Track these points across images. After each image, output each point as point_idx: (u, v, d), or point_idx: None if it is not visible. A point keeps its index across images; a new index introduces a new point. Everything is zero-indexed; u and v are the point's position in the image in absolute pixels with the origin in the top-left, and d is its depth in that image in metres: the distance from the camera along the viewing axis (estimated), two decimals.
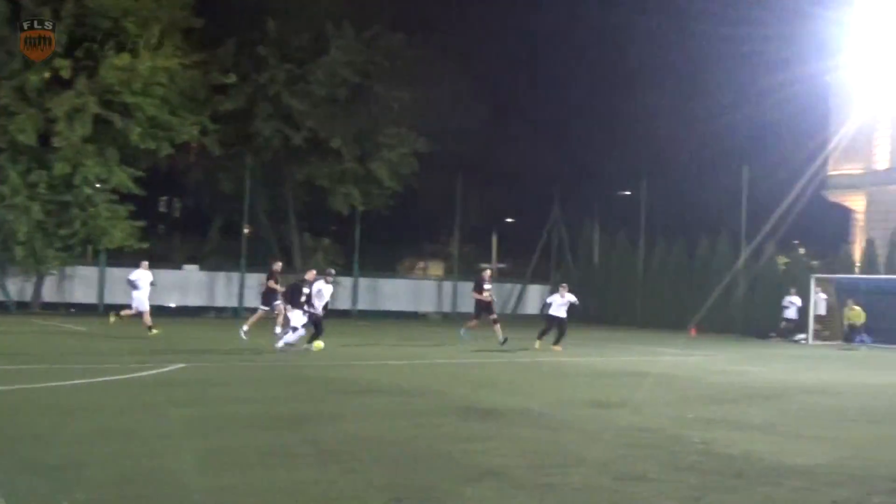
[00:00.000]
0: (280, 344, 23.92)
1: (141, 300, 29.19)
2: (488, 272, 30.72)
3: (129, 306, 29.76)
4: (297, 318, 23.82)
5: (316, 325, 24.05)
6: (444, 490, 8.63)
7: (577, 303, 29.46)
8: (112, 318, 30.23)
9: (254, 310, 40.44)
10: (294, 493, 8.40)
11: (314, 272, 25.39)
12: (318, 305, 24.28)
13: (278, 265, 30.84)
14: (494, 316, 28.81)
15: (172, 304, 42.93)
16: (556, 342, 28.51)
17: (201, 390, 15.65)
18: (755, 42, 49.67)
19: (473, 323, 29.13)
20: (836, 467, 10.42)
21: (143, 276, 29.39)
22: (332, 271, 26.64)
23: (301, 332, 23.95)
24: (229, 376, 18.16)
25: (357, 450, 10.41)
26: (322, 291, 24.56)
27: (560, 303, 29.11)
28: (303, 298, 23.98)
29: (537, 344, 28.58)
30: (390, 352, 24.90)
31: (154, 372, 17.92)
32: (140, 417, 12.45)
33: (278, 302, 28.68)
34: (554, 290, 52.14)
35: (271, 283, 29.66)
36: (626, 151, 65.63)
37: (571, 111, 70.85)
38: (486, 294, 28.86)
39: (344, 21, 44.81)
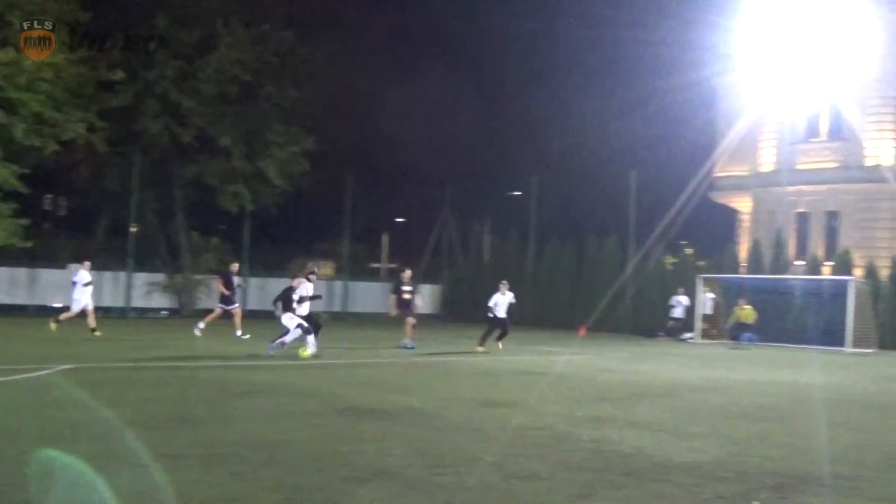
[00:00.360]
0: (275, 344, 23.86)
1: (79, 301, 28.99)
2: (408, 273, 30.31)
3: (68, 309, 29.69)
4: (289, 321, 23.69)
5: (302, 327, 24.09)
6: (336, 490, 8.59)
7: (515, 302, 29.59)
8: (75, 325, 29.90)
9: (157, 310, 40.20)
10: (182, 495, 8.28)
11: (300, 279, 25.31)
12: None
13: (235, 266, 31.34)
14: (413, 320, 28.66)
15: (58, 304, 42.09)
16: (483, 343, 28.77)
17: (88, 392, 15.36)
18: (644, 46, 50.34)
19: (410, 323, 28.77)
20: (722, 464, 10.57)
21: (84, 277, 29.30)
22: (316, 269, 26.64)
23: (295, 333, 23.80)
24: (117, 377, 17.89)
25: (247, 451, 10.32)
26: (308, 291, 24.63)
27: (503, 303, 29.20)
28: (294, 304, 23.98)
29: (500, 345, 28.89)
30: (281, 352, 24.70)
31: (39, 374, 17.57)
32: (24, 420, 12.20)
33: (236, 305, 30.18)
34: (454, 290, 52.69)
35: (219, 285, 30.71)
36: (517, 152, 66.19)
37: (462, 111, 71.19)
38: (405, 295, 28.77)
39: (234, 18, 44.36)
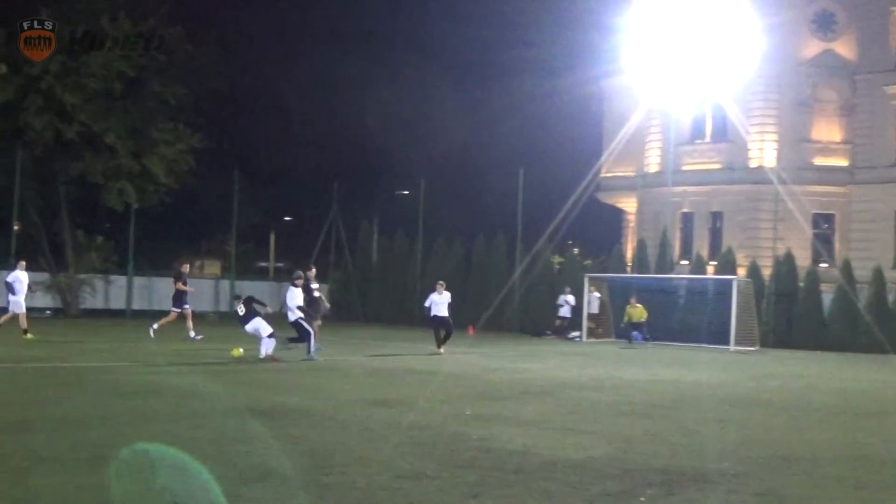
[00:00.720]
0: (262, 355, 23.41)
1: (18, 302, 28.33)
2: (313, 271, 30.03)
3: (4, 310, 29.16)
4: (264, 327, 23.50)
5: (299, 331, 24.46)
6: (224, 492, 8.49)
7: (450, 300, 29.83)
8: None
9: (40, 309, 39.38)
10: (66, 499, 8.14)
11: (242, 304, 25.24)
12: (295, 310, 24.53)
13: (186, 267, 31.89)
14: (320, 322, 28.42)
15: None
16: (441, 343, 28.93)
17: None
18: (532, 47, 50.72)
19: (316, 326, 28.66)
20: (610, 461, 10.67)
21: (21, 277, 28.66)
22: (301, 273, 26.49)
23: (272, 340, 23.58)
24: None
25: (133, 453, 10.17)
26: (294, 294, 24.74)
27: (439, 301, 29.36)
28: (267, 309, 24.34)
29: (442, 349, 28.71)
30: (168, 353, 24.41)
31: None
32: None
33: (188, 305, 30.21)
34: (342, 290, 52.42)
35: (180, 286, 30.37)
36: (406, 151, 66.18)
37: (350, 111, 71.00)
38: (315, 293, 28.67)
39: (120, 13, 43.69)
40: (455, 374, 21.48)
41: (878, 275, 39.53)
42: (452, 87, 68.97)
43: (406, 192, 59.33)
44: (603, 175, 56.13)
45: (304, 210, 65.93)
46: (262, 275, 66.35)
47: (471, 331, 39.19)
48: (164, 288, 47.79)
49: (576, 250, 54.07)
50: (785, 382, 23.02)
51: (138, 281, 47.91)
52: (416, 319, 46.18)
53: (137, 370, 20.00)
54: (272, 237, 71.86)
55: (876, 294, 38.94)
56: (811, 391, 20.85)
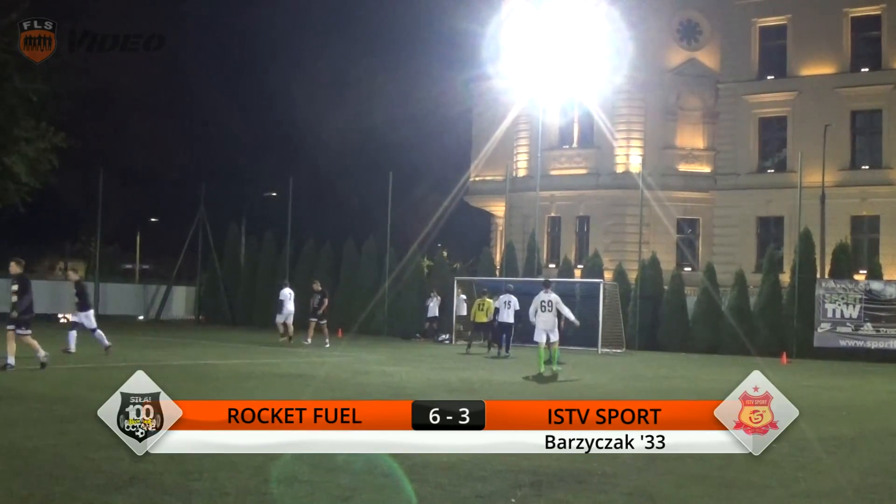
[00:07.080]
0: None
1: None
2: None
3: None
4: None
5: None
6: (91, 499, 8.36)
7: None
8: None
9: None
10: None
11: None
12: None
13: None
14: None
15: None
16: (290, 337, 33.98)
17: None
18: (403, 52, 50.76)
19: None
20: (480, 463, 10.69)
21: None
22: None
23: None
24: None
25: None
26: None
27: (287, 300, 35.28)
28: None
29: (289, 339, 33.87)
30: (29, 357, 23.90)
31: None
32: None
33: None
34: (210, 292, 51.90)
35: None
36: (274, 152, 65.86)
37: (219, 111, 70.48)
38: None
39: None
40: (326, 378, 21.39)
41: (741, 278, 40.32)
42: (323, 90, 68.81)
43: (274, 194, 58.93)
44: (472, 179, 56.45)
45: (170, 211, 65.12)
46: (128, 277, 65.36)
47: (339, 333, 39.08)
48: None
49: (445, 253, 54.23)
50: (651, 384, 23.38)
51: None
52: None
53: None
54: (138, 239, 70.81)
55: (738, 297, 39.70)
56: (677, 392, 21.18)
